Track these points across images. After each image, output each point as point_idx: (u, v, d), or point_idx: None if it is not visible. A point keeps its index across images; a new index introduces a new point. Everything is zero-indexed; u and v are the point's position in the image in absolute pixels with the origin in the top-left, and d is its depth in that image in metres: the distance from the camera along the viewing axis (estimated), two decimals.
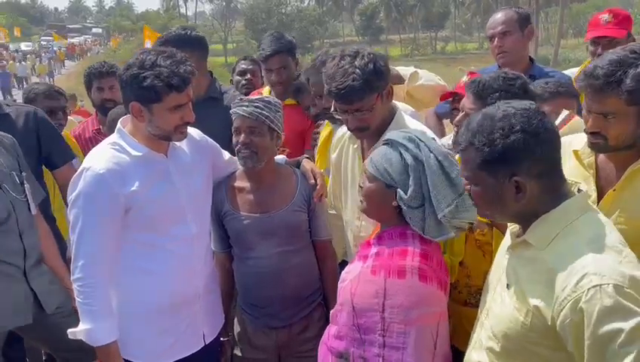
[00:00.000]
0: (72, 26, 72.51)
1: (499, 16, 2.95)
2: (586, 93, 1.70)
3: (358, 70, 1.91)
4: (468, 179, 1.44)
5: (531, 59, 3.01)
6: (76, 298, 1.93)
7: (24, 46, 43.11)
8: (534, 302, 1.33)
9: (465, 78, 2.65)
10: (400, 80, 2.58)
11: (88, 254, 1.90)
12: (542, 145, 1.33)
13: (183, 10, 79.42)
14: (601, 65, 1.64)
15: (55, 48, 38.19)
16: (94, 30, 69.24)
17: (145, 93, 1.86)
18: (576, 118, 2.17)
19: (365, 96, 1.94)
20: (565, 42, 41.98)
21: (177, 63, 1.88)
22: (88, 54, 45.43)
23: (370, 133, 2.05)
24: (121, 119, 2.04)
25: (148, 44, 8.83)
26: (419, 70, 2.71)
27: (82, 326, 1.91)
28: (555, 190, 1.39)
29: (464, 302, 2.03)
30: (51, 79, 27.74)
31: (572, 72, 3.23)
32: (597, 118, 1.69)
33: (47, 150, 2.83)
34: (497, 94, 1.90)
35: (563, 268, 1.29)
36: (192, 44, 2.87)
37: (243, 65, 3.73)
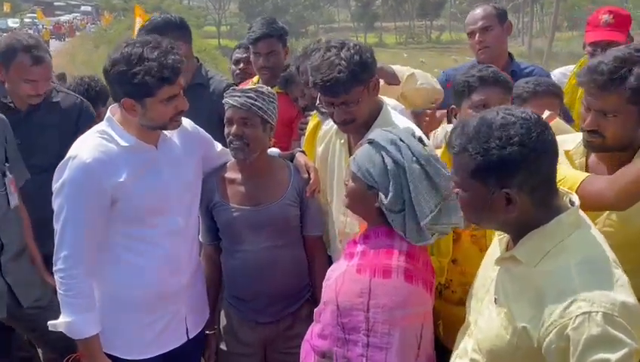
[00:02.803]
0: (59, 4, 71.10)
1: (478, 12, 2.99)
2: (588, 90, 1.69)
3: (343, 62, 1.89)
4: (457, 184, 1.39)
5: (510, 56, 3.04)
6: (58, 289, 1.90)
7: (11, 22, 42.12)
8: (521, 322, 1.30)
9: None
10: (395, 80, 2.53)
11: (72, 245, 1.87)
12: (539, 159, 1.29)
13: None
14: (606, 62, 1.63)
15: (40, 27, 36.98)
16: (83, 8, 67.95)
17: (136, 90, 1.81)
18: (557, 119, 2.15)
19: (351, 88, 1.92)
20: (559, 35, 41.92)
21: (165, 54, 1.83)
22: (77, 33, 44.43)
23: (356, 126, 2.02)
24: (110, 107, 1.99)
25: (138, 23, 8.68)
26: (415, 71, 2.67)
27: (63, 319, 1.88)
28: (547, 204, 1.35)
29: (458, 301, 1.98)
30: None
31: (567, 70, 3.21)
32: (596, 116, 1.68)
33: None
34: None
35: (552, 291, 1.26)
36: (179, 28, 2.84)
37: (237, 55, 3.67)
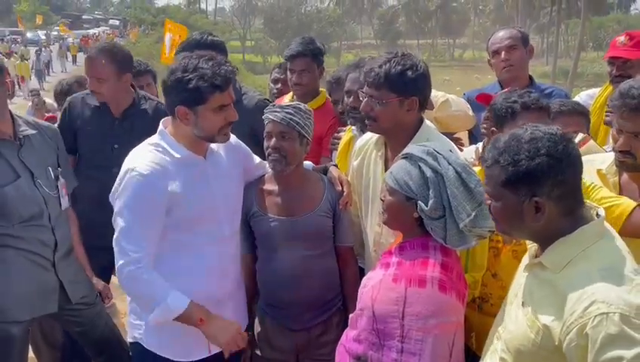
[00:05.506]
0: (87, 17, 72.58)
1: (503, 32, 3.09)
2: (619, 113, 1.78)
3: (388, 65, 2.04)
4: (490, 194, 1.50)
5: (531, 78, 3.12)
6: (128, 293, 2.03)
7: (42, 35, 43.09)
8: (545, 321, 1.39)
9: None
10: (429, 104, 2.62)
11: (134, 251, 1.96)
12: (565, 169, 1.39)
13: (203, 6, 79.75)
14: (637, 87, 1.74)
15: (69, 40, 37.31)
16: (111, 22, 69.26)
17: (190, 96, 1.93)
18: (591, 142, 2.22)
19: (381, 87, 2.05)
20: (584, 55, 41.48)
21: (219, 64, 1.96)
22: None
23: (377, 128, 2.15)
24: (162, 120, 2.11)
25: (168, 38, 8.85)
26: (450, 97, 2.72)
27: (156, 311, 1.95)
28: (574, 213, 1.44)
29: (495, 314, 2.00)
30: (41, 81, 22.24)
31: (593, 92, 3.29)
32: (628, 137, 1.77)
33: None
34: None
35: (573, 293, 1.35)
36: (211, 48, 2.90)
37: (276, 74, 3.82)
